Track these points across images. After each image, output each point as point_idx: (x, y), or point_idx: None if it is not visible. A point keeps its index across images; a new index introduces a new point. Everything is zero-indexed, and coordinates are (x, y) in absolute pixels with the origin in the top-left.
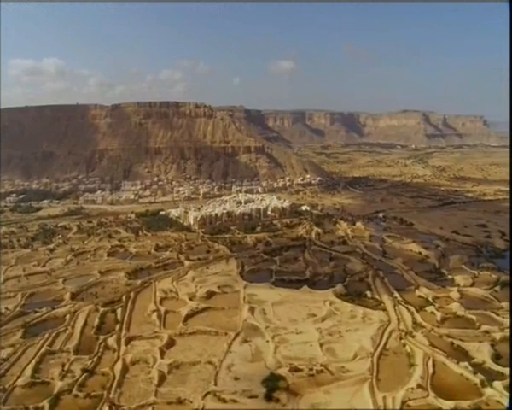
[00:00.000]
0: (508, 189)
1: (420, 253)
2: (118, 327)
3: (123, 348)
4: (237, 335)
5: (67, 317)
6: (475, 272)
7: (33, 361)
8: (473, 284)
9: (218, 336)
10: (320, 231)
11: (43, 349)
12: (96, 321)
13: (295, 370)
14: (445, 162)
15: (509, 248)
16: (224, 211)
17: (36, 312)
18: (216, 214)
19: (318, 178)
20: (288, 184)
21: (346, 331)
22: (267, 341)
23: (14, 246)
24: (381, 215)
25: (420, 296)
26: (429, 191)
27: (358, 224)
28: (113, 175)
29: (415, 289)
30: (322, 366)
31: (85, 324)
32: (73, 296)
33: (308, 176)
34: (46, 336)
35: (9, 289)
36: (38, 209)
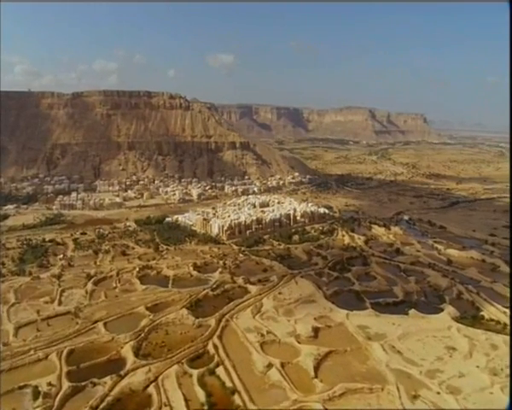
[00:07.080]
0: (496, 186)
1: (483, 260)
2: (238, 400)
3: None
4: (398, 389)
5: (152, 389)
6: None
7: None
8: None
9: (373, 393)
10: (364, 238)
11: None
12: (200, 393)
13: None
14: (406, 159)
15: None
16: (253, 218)
17: (95, 384)
18: (245, 222)
19: (308, 177)
20: (280, 183)
21: (507, 368)
22: (437, 392)
23: (2, 272)
24: (406, 218)
25: None
26: (425, 190)
27: (395, 228)
28: (81, 174)
29: None
30: None
31: (185, 399)
32: (136, 352)
33: (297, 174)
34: None
35: (31, 346)
36: (5, 217)
